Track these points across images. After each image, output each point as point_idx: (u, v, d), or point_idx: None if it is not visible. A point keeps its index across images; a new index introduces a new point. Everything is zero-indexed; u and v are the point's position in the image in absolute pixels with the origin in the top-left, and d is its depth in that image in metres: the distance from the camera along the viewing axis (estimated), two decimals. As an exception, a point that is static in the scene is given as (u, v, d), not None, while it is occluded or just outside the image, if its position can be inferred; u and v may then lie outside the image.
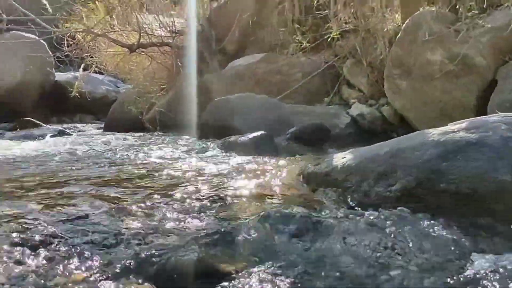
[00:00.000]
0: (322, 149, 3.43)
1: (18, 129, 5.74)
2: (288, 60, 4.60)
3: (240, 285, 1.16)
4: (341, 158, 1.94)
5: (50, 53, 6.28)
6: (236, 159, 2.85)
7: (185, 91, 5.01)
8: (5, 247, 1.28)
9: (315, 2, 4.49)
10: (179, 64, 5.10)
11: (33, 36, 5.89)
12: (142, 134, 4.97)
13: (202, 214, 1.57)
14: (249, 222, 1.45)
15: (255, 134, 3.36)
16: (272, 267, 1.27)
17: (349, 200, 1.78)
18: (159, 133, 4.94)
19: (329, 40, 4.46)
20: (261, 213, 1.52)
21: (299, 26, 4.61)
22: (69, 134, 5.35)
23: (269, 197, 1.84)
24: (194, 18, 5.11)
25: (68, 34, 5.25)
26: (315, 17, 4.62)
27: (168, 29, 5.37)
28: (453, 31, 3.47)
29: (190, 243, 1.31)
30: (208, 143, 3.59)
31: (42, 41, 5.96)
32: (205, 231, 1.39)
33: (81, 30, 5.18)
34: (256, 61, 4.67)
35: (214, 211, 1.64)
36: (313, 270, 1.29)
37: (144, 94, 5.39)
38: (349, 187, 1.79)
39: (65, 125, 6.44)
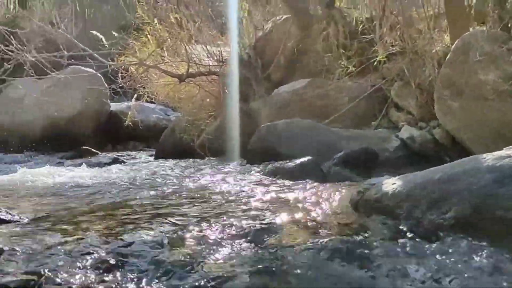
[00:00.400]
0: (371, 174, 3.38)
1: (77, 158, 6.08)
2: (334, 85, 4.61)
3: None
4: (392, 184, 1.91)
5: (106, 85, 6.65)
6: (284, 185, 2.87)
7: (233, 118, 5.12)
8: (64, 274, 1.36)
9: (360, 26, 4.51)
10: (226, 91, 5.23)
11: (90, 69, 6.26)
12: (192, 160, 5.10)
13: (251, 242, 1.60)
14: (298, 251, 1.46)
15: (302, 159, 3.37)
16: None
17: (401, 227, 1.74)
18: (208, 159, 5.05)
19: (375, 63, 4.44)
20: (311, 241, 1.53)
21: (344, 51, 4.63)
22: (123, 162, 5.58)
23: (318, 224, 1.84)
24: (239, 47, 5.26)
25: (123, 66, 5.55)
26: (360, 41, 4.62)
27: (215, 58, 5.54)
28: (506, 50, 3.37)
29: (240, 272, 1.33)
30: (256, 169, 3.63)
31: (99, 74, 6.33)
32: (254, 259, 1.41)
33: (134, 63, 5.46)
34: (302, 86, 4.71)
35: (263, 239, 1.65)
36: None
37: (194, 122, 5.55)
38: (401, 214, 1.76)
39: (119, 153, 6.74)
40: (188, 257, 1.45)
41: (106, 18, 11.79)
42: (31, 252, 1.59)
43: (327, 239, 1.54)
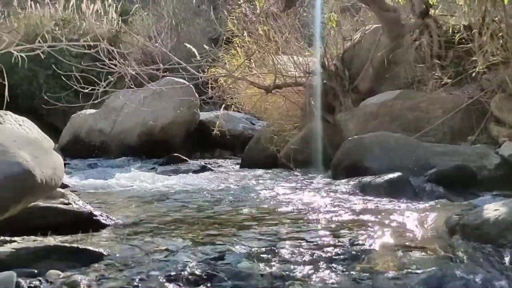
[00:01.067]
0: (467, 193, 3.14)
1: (168, 164, 6.40)
2: (427, 96, 4.38)
3: None
4: (494, 210, 1.76)
5: (197, 95, 6.95)
6: (371, 202, 2.77)
7: (318, 129, 5.08)
8: (156, 285, 1.43)
9: (457, 35, 4.23)
10: (312, 103, 5.20)
11: (183, 81, 6.59)
12: (277, 171, 5.13)
13: (340, 264, 1.56)
14: (390, 278, 1.39)
15: (390, 175, 3.23)
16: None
17: (504, 258, 1.60)
18: (292, 170, 5.05)
19: (473, 74, 4.14)
20: (403, 268, 1.45)
21: (438, 61, 4.38)
22: (210, 170, 5.78)
23: (411, 248, 1.74)
24: (326, 58, 5.21)
25: (212, 78, 5.76)
26: (457, 51, 4.34)
27: (302, 69, 5.54)
28: None
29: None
30: (342, 183, 3.54)
31: (190, 85, 6.64)
32: (342, 284, 1.37)
33: (223, 74, 5.64)
34: (392, 98, 4.53)
35: (348, 261, 1.61)
36: None
37: (279, 132, 5.59)
38: (504, 244, 1.61)
39: (206, 160, 6.98)
40: (276, 275, 1.45)
41: (198, 31, 12.36)
42: (127, 258, 1.70)
43: (421, 266, 1.45)
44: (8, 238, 1.99)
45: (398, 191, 3.01)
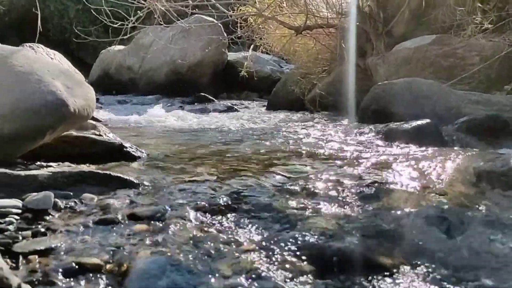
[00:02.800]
0: (498, 144, 3.08)
1: (195, 103, 6.46)
2: (465, 42, 4.19)
3: (397, 280, 1.16)
4: (522, 158, 1.73)
5: (225, 35, 6.85)
6: (397, 148, 2.76)
7: (347, 73, 4.97)
8: (183, 211, 1.49)
9: (504, -24, 3.97)
10: (343, 46, 5.06)
11: (211, 19, 6.48)
12: (302, 113, 5.13)
13: (360, 202, 1.59)
14: (410, 216, 1.42)
15: (419, 122, 3.17)
16: (430, 264, 1.23)
17: (528, 206, 1.59)
18: (318, 114, 5.03)
19: (517, 19, 3.92)
20: (425, 208, 1.47)
21: (480, 5, 4.14)
22: (236, 111, 5.81)
23: (432, 191, 1.76)
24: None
25: (242, 17, 5.64)
26: (502, -6, 4.09)
27: (334, 10, 5.35)
28: None
29: (345, 232, 1.34)
30: (368, 128, 3.52)
31: (219, 24, 6.53)
32: (361, 220, 1.41)
33: (253, 13, 5.51)
34: (427, 43, 4.36)
35: (372, 201, 1.63)
36: (465, 264, 1.21)
37: (306, 75, 5.51)
38: (530, 192, 1.60)
39: (233, 101, 7.01)
40: (296, 210, 1.50)
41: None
42: (155, 187, 1.78)
43: (442, 208, 1.47)
44: (44, 164, 2.10)
45: (425, 138, 2.97)
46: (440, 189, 1.78)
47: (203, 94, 6.72)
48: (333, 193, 1.70)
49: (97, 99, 6.70)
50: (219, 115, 5.34)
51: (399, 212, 1.47)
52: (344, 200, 1.62)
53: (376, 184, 1.79)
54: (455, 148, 2.77)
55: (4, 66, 1.99)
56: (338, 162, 2.30)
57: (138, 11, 4.82)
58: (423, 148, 2.68)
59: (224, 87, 7.77)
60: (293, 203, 1.58)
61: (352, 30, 4.96)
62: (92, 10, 5.21)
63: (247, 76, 6.32)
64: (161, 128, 4.28)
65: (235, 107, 6.11)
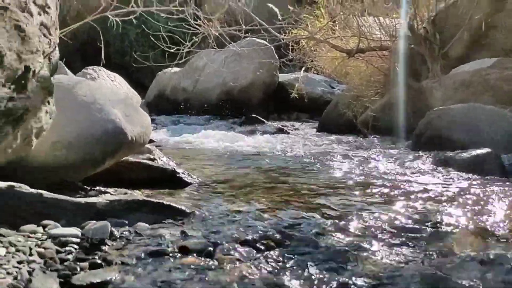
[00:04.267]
0: None
1: (246, 124, 6.54)
2: (528, 66, 3.98)
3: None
4: None
5: (277, 57, 6.92)
6: (454, 179, 2.65)
7: (401, 96, 4.85)
8: (232, 245, 1.50)
9: None
10: (397, 68, 4.95)
11: (264, 42, 6.57)
12: (354, 137, 5.04)
13: (414, 243, 1.53)
14: (466, 261, 1.35)
15: (478, 151, 3.04)
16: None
17: None
18: (371, 137, 4.93)
19: None
20: (481, 252, 1.39)
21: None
22: (286, 133, 5.82)
23: (492, 232, 1.66)
24: (415, 21, 4.89)
25: (293, 40, 5.68)
26: None
27: (388, 32, 5.27)
28: None
29: (398, 275, 1.29)
30: (423, 155, 3.41)
31: (271, 46, 6.61)
32: (415, 263, 1.35)
33: (305, 36, 5.54)
34: (487, 66, 4.18)
35: (427, 242, 1.56)
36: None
37: (358, 98, 5.44)
38: None
39: (283, 123, 7.03)
40: (347, 248, 1.47)
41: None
42: (205, 217, 1.81)
43: (503, 257, 1.38)
44: (102, 189, 2.20)
45: (485, 168, 2.83)
46: (498, 228, 1.69)
47: (254, 115, 6.79)
48: (385, 231, 1.66)
49: (153, 120, 7.01)
50: (269, 137, 5.36)
51: (456, 258, 1.40)
52: (397, 240, 1.57)
53: (432, 223, 1.72)
54: (518, 180, 2.62)
55: (69, 96, 2.13)
56: (391, 195, 2.24)
57: (193, 36, 4.98)
58: (483, 180, 2.55)
59: (275, 108, 7.81)
60: (342, 241, 1.55)
61: (406, 53, 4.85)
62: (150, 35, 5.44)
63: (297, 97, 6.33)
64: (211, 150, 4.36)
65: (285, 129, 6.12)
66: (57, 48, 1.81)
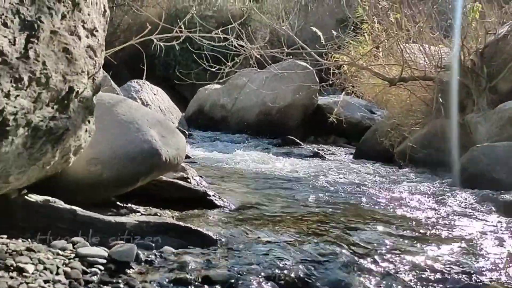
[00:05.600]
0: None
1: (282, 146, 6.53)
2: None
3: None
4: None
5: (318, 80, 6.90)
6: (493, 220, 2.52)
7: (443, 129, 4.71)
8: (251, 278, 1.48)
9: None
10: (440, 100, 4.82)
11: (305, 64, 6.58)
12: (391, 167, 4.92)
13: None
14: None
15: (524, 193, 2.90)
16: None
17: None
18: (408, 169, 4.79)
19: None
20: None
21: None
22: (322, 157, 5.75)
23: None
24: (463, 53, 4.75)
25: (335, 65, 5.65)
26: None
27: (433, 62, 5.14)
28: None
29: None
30: (463, 193, 3.27)
31: (312, 69, 6.60)
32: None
33: (347, 62, 5.50)
34: (536, 104, 4.00)
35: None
36: None
37: (398, 127, 5.32)
38: None
39: (319, 146, 6.96)
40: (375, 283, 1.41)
41: (326, 12, 12.15)
42: (232, 246, 1.79)
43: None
44: (134, 207, 2.24)
45: (529, 212, 2.68)
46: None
47: (290, 137, 6.77)
48: (415, 274, 1.59)
49: (190, 135, 7.13)
50: (304, 161, 5.32)
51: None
52: (426, 285, 1.50)
53: (469, 273, 1.63)
54: None
55: (109, 114, 2.19)
56: (425, 234, 2.16)
57: (235, 57, 5.05)
58: (526, 227, 2.41)
59: (312, 131, 7.76)
60: (369, 283, 1.49)
61: (452, 85, 4.72)
62: (192, 54, 5.56)
63: (335, 121, 6.27)
64: (245, 170, 4.36)
65: (321, 153, 6.06)
66: (101, 69, 1.87)
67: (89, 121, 1.78)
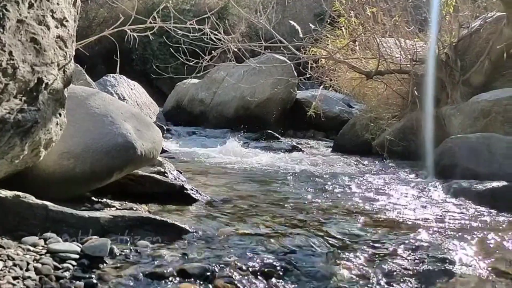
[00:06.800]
0: None
1: (261, 140, 6.53)
2: (551, 98, 3.88)
3: None
4: None
5: (296, 74, 6.92)
6: (468, 210, 2.57)
7: (419, 121, 4.79)
8: (232, 271, 1.47)
9: None
10: (415, 93, 4.89)
11: (283, 58, 6.58)
12: (369, 159, 4.97)
13: (417, 278, 1.47)
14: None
15: (494, 183, 2.96)
16: None
17: None
18: (386, 161, 4.85)
19: None
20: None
21: None
22: (301, 151, 5.77)
23: (503, 274, 1.60)
24: (437, 46, 4.83)
25: (313, 58, 5.67)
26: None
27: (408, 56, 5.22)
28: None
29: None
30: (437, 184, 3.33)
31: (290, 63, 6.61)
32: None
33: (324, 56, 5.53)
34: (508, 96, 4.09)
35: (432, 281, 1.51)
36: None
37: (375, 120, 5.38)
38: None
39: (298, 140, 6.99)
40: (348, 283, 1.42)
41: (304, 6, 12.17)
42: (208, 238, 1.78)
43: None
44: (109, 202, 2.20)
45: (500, 202, 2.74)
46: (509, 270, 1.62)
47: (269, 131, 6.77)
48: (389, 266, 1.60)
49: (169, 130, 7.06)
50: (283, 154, 5.33)
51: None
52: (400, 274, 1.52)
53: (438, 260, 1.66)
54: (535, 218, 2.52)
55: (82, 107, 2.14)
56: (401, 224, 2.18)
57: (213, 51, 5.02)
58: (496, 215, 2.47)
59: (291, 125, 7.78)
60: (344, 274, 1.50)
61: (426, 78, 4.79)
62: (170, 48, 5.49)
63: (314, 115, 6.30)
64: (223, 164, 4.34)
65: (300, 146, 6.08)
66: (72, 60, 1.83)
67: (60, 114, 1.73)
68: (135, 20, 2.88)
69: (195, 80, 8.01)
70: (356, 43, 5.63)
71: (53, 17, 1.61)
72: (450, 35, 4.93)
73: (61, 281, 1.26)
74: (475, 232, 2.08)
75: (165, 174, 2.94)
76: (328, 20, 6.05)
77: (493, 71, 4.46)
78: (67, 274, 1.32)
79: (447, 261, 1.66)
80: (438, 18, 4.93)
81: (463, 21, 4.89)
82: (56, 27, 1.64)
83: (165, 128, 6.66)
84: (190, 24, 2.81)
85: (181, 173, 3.25)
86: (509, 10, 4.09)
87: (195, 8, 11.60)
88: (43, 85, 1.57)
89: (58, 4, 1.61)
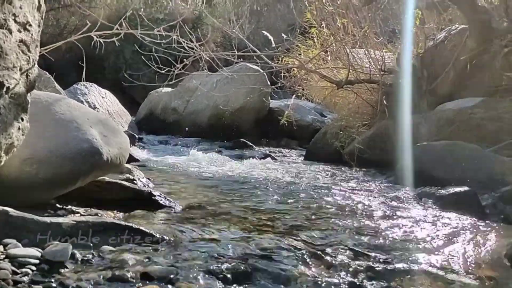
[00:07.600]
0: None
1: (234, 148, 6.54)
2: (512, 107, 4.05)
3: None
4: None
5: (269, 83, 6.98)
6: (432, 214, 2.65)
7: (387, 130, 4.89)
8: (199, 275, 1.48)
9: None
10: (384, 102, 5.01)
11: (257, 67, 6.63)
12: (339, 168, 5.04)
13: (378, 278, 1.51)
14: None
15: (457, 189, 3.06)
16: None
17: None
18: (356, 169, 4.93)
19: None
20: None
21: (529, 70, 4.02)
22: (274, 159, 5.81)
23: (460, 272, 1.65)
24: (406, 57, 4.97)
25: (285, 68, 5.75)
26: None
27: (377, 66, 5.35)
28: None
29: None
30: (404, 190, 3.42)
31: (264, 72, 6.67)
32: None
33: (296, 66, 5.61)
34: (472, 105, 4.24)
35: (394, 277, 1.55)
36: None
37: (346, 128, 5.47)
38: None
39: (271, 148, 7.02)
40: (313, 284, 1.45)
41: (278, 17, 12.33)
42: (174, 243, 1.78)
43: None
44: (74, 208, 2.17)
45: (463, 206, 2.83)
46: (468, 269, 1.68)
47: (242, 140, 6.79)
48: (354, 267, 1.64)
49: (141, 138, 6.99)
50: (256, 162, 5.35)
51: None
52: (365, 277, 1.55)
53: (400, 260, 1.71)
54: (493, 220, 2.62)
55: (46, 113, 2.12)
56: (366, 229, 2.23)
57: (185, 59, 5.03)
58: (459, 219, 2.55)
59: (264, 134, 7.82)
60: (311, 276, 1.53)
61: (395, 87, 4.92)
62: (142, 56, 5.48)
63: (287, 124, 6.35)
64: (195, 173, 4.33)
65: (273, 155, 6.11)
66: (36, 65, 1.81)
67: (22, 119, 1.71)
68: (105, 27, 2.86)
69: (168, 89, 7.98)
70: (328, 53, 5.74)
71: (15, 21, 1.60)
72: (417, 46, 5.08)
73: (19, 285, 1.24)
74: (433, 234, 2.14)
75: (134, 181, 2.93)
76: (299, 30, 6.13)
77: (458, 81, 4.62)
78: (25, 278, 1.30)
79: (411, 261, 1.71)
80: (412, 28, 5.06)
81: (429, 33, 5.06)
82: (19, 31, 1.63)
83: (137, 136, 6.60)
84: (158, 31, 2.82)
85: (150, 180, 3.23)
86: (470, 23, 4.26)
87: (168, 17, 11.59)
88: (4, 89, 1.55)
89: (21, 8, 1.60)
